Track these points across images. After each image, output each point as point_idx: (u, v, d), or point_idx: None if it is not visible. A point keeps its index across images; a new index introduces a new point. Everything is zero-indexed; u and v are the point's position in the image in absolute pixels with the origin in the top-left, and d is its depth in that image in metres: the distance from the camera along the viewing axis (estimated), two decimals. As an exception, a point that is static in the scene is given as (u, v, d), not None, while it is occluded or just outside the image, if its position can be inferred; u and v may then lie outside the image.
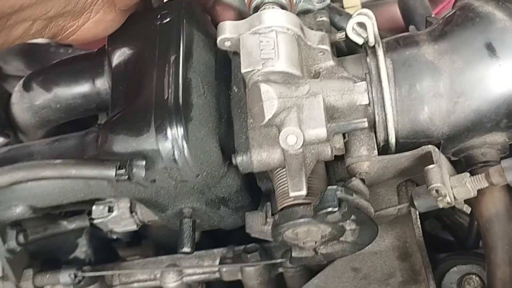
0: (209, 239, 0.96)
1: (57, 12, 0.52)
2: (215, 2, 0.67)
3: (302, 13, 0.64)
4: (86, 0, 0.54)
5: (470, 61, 0.54)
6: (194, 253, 0.63)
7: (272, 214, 0.57)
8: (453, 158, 0.60)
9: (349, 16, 0.73)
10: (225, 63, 0.62)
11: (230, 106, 0.60)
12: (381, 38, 0.60)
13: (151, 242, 1.03)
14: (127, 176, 0.51)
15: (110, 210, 0.75)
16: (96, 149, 0.56)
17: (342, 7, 1.01)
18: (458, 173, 0.57)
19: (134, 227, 0.76)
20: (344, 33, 0.60)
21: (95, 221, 0.76)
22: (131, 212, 0.75)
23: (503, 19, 0.53)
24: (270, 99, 0.52)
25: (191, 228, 0.61)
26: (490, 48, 0.53)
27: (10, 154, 0.61)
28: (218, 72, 0.61)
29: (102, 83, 0.64)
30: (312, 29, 0.60)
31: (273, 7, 0.56)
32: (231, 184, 0.60)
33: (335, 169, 0.62)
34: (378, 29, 0.59)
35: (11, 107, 0.69)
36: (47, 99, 0.66)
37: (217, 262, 0.81)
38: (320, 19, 0.63)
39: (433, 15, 0.84)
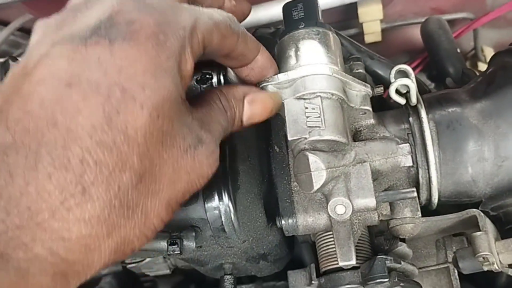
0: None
1: None
2: None
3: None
4: None
5: (515, 126, 0.54)
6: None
7: (317, 276, 0.57)
8: (491, 213, 0.61)
9: (381, 60, 0.74)
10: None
11: (271, 164, 0.60)
12: (420, 93, 0.60)
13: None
14: (179, 251, 0.51)
15: (144, 255, 0.75)
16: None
17: (362, 32, 1.00)
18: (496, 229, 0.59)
19: (167, 272, 0.77)
20: (382, 88, 0.61)
21: (128, 266, 0.76)
22: (164, 257, 0.76)
23: (547, 83, 0.54)
24: (319, 169, 0.52)
25: (233, 286, 0.61)
26: (535, 113, 0.54)
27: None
28: (258, 130, 0.60)
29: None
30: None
31: None
32: (272, 241, 0.61)
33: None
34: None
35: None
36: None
37: (246, 299, 0.82)
38: (357, 71, 0.63)
39: (458, 50, 0.84)
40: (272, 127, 0.61)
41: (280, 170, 0.59)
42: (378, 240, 0.61)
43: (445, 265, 0.60)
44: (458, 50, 0.86)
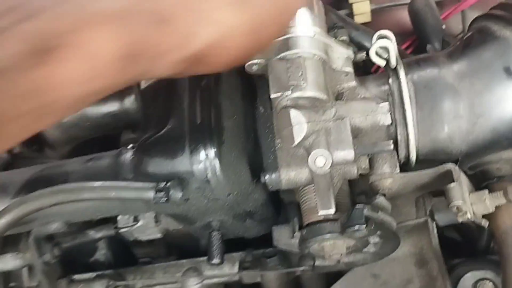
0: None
1: None
2: None
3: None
4: None
5: (489, 84, 0.56)
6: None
7: (299, 229, 0.60)
8: (469, 172, 0.63)
9: (366, 31, 0.76)
10: (249, 82, 0.64)
11: (256, 124, 0.62)
12: (401, 57, 0.63)
13: (163, 241, 1.06)
14: (165, 199, 0.53)
15: (136, 219, 0.77)
16: (131, 170, 0.59)
17: (352, 13, 1.03)
18: (473, 186, 0.61)
19: (158, 236, 0.79)
20: (364, 53, 0.63)
21: (120, 231, 0.78)
22: (156, 221, 0.78)
23: (521, 44, 0.56)
24: (300, 123, 0.54)
25: (220, 241, 0.64)
26: (508, 72, 0.56)
27: (45, 173, 0.63)
28: (244, 92, 0.63)
29: (131, 103, 0.66)
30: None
31: None
32: (258, 199, 0.63)
33: (356, 182, 0.65)
34: (398, 48, 0.62)
35: (39, 124, 0.71)
36: (76, 117, 0.68)
37: (236, 265, 0.84)
38: (341, 38, 0.65)
39: (443, 26, 0.86)
40: (257, 89, 0.64)
41: (265, 129, 0.61)
42: (359, 198, 0.63)
43: (423, 219, 0.62)
44: (444, 27, 0.88)
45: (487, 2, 1.05)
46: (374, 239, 0.59)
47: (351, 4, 1.02)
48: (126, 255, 0.99)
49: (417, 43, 1.04)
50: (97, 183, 0.54)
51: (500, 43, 0.57)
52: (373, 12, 1.06)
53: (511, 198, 0.54)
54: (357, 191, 0.64)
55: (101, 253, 0.97)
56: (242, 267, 0.83)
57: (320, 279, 0.82)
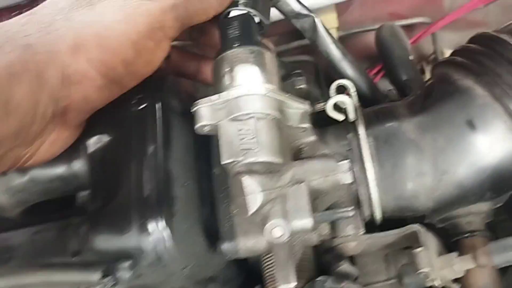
0: None
1: (8, 147, 0.49)
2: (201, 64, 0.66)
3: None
4: (36, 128, 0.51)
5: (452, 139, 0.53)
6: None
7: (262, 299, 0.57)
8: (438, 225, 0.60)
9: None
10: (204, 140, 0.61)
11: (212, 186, 0.59)
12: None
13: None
14: (113, 283, 0.50)
15: None
16: (78, 245, 0.55)
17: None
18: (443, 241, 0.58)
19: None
20: (322, 103, 0.60)
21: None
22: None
23: (483, 95, 0.53)
24: (254, 193, 0.51)
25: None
26: (471, 125, 0.53)
27: (-12, 248, 0.60)
28: (198, 151, 0.59)
29: (79, 166, 0.62)
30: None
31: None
32: (218, 263, 0.60)
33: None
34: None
35: (-14, 189, 0.67)
36: (23, 182, 0.64)
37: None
38: (299, 87, 0.62)
39: (411, 57, 0.84)
40: (212, 148, 0.60)
41: (220, 193, 0.58)
42: (325, 258, 0.60)
43: (392, 281, 0.59)
44: (411, 57, 0.85)
45: (457, 24, 1.04)
46: (340, 308, 0.56)
47: (318, 32, 0.99)
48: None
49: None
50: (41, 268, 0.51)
51: (461, 94, 0.54)
52: (342, 38, 1.03)
53: (480, 263, 0.52)
54: (323, 249, 0.61)
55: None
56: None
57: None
